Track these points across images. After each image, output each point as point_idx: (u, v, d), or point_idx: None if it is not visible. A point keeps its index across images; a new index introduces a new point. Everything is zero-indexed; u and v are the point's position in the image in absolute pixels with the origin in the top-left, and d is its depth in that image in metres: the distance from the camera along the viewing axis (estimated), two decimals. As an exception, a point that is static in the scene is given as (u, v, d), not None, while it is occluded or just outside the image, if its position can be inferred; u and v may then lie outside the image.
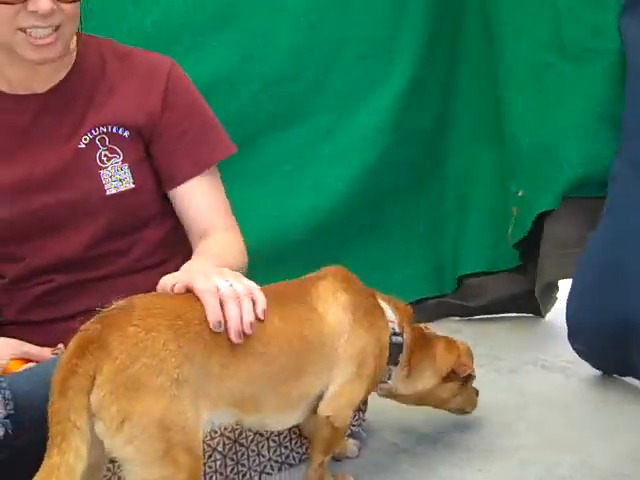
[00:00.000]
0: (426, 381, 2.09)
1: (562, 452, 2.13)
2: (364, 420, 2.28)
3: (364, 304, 1.90)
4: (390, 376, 2.03)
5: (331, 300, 1.85)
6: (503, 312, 3.18)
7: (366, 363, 1.88)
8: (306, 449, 2.21)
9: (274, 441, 2.19)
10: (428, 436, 2.29)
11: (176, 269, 1.82)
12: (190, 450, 1.57)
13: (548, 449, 2.16)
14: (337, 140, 3.01)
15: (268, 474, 2.17)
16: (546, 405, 2.42)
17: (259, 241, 2.81)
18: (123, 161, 2.01)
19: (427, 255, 3.21)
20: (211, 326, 1.63)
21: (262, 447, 2.19)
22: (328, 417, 1.86)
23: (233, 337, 1.64)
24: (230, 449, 2.14)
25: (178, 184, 2.07)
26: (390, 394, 2.11)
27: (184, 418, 1.56)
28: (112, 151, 2.02)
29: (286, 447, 2.20)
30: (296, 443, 2.21)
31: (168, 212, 2.12)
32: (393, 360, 2.00)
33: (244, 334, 1.65)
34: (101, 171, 2.00)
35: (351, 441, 2.20)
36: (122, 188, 2.01)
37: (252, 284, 1.73)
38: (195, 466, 1.58)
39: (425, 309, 3.12)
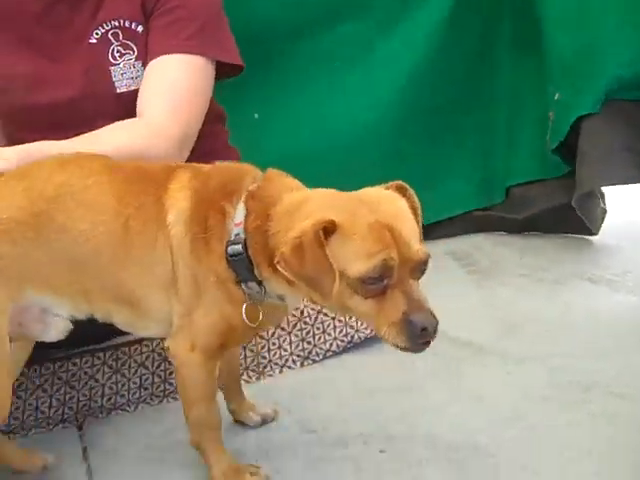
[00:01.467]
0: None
1: (598, 361, 2.02)
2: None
3: (200, 219, 1.52)
4: (265, 290, 1.54)
5: (173, 201, 1.54)
6: (552, 231, 3.02)
7: (199, 296, 1.53)
8: (330, 345, 2.15)
9: (296, 335, 2.13)
10: (458, 339, 2.18)
11: None
12: None
13: (584, 358, 2.05)
14: (390, 43, 2.83)
15: (290, 368, 2.12)
16: (587, 316, 2.29)
17: (302, 142, 2.73)
18: (137, 58, 1.90)
19: (476, 168, 3.03)
20: None
21: (283, 341, 2.14)
22: (168, 349, 1.60)
23: None
24: (250, 341, 2.09)
25: (150, 58, 1.90)
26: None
27: None
28: (126, 47, 1.91)
29: (309, 342, 2.14)
30: (320, 339, 2.15)
31: None
32: (242, 275, 1.52)
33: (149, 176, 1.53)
34: (112, 68, 1.90)
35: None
36: (134, 87, 1.91)
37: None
38: None
39: (473, 221, 3.00)
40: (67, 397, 1.95)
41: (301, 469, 1.69)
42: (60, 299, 1.55)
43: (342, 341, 2.16)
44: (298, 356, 2.13)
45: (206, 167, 1.60)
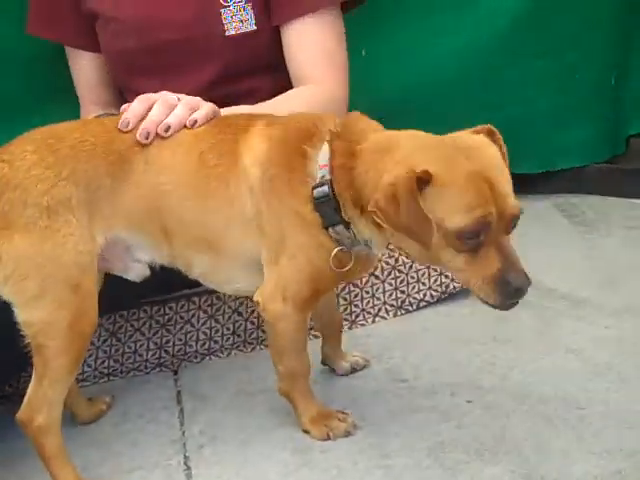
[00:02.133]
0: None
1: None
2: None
3: (280, 161, 1.51)
4: (355, 236, 1.51)
5: (250, 144, 1.54)
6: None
7: (284, 240, 1.51)
8: (423, 295, 2.13)
9: (390, 284, 2.12)
10: (555, 292, 2.13)
11: None
12: (75, 287, 1.46)
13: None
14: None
15: (383, 318, 2.12)
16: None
17: (407, 83, 2.61)
18: (247, 1, 1.91)
19: (608, 114, 2.78)
20: (119, 124, 1.54)
21: (377, 290, 2.13)
22: (258, 303, 1.57)
23: (138, 135, 1.53)
24: (343, 289, 2.09)
25: (285, 21, 1.92)
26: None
27: (60, 249, 1.45)
28: None
29: (402, 292, 2.13)
30: (413, 288, 2.13)
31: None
32: (328, 219, 1.49)
33: (158, 135, 1.54)
34: (223, 10, 1.91)
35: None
36: (243, 29, 1.91)
37: (207, 104, 1.61)
38: (82, 304, 1.47)
39: (585, 174, 2.86)
40: (164, 341, 2.01)
41: (387, 417, 1.69)
42: (144, 239, 1.57)
43: (436, 291, 2.14)
44: (391, 306, 2.12)
45: (282, 118, 1.58)
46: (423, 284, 2.14)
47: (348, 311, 2.09)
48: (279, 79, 1.96)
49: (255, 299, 1.58)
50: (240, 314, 2.05)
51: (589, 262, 2.29)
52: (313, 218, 1.50)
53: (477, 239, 1.36)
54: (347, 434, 1.65)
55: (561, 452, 1.50)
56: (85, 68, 2.06)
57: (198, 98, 1.64)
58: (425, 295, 2.14)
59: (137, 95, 1.64)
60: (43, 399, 1.49)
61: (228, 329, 2.04)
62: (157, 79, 1.94)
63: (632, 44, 2.78)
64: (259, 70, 1.97)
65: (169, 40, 1.92)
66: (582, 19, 2.67)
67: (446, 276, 2.14)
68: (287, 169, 1.51)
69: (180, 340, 2.01)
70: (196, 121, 1.58)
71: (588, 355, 1.82)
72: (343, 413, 1.69)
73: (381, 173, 1.40)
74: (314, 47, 1.92)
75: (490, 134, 1.47)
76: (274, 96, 1.88)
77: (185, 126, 1.57)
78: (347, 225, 1.50)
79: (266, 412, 1.76)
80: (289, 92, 1.87)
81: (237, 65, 1.94)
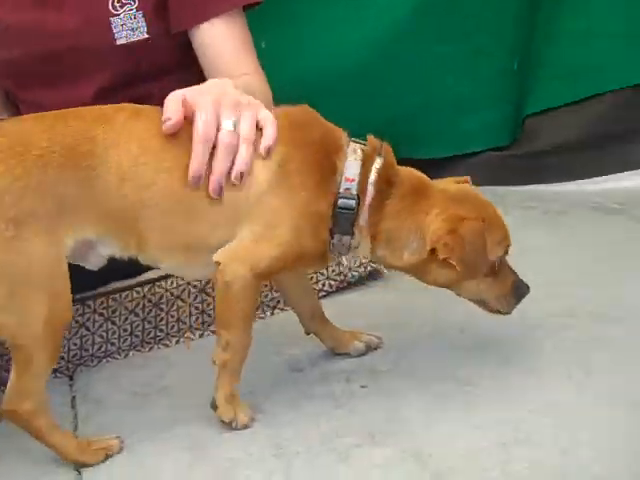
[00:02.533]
0: (413, 251, 1.63)
1: (594, 287, 1.98)
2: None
3: (301, 158, 1.58)
4: (350, 247, 1.64)
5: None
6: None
7: (277, 228, 1.56)
8: (322, 285, 2.14)
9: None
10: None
11: None
12: (45, 287, 1.48)
13: (580, 285, 2.01)
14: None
15: (282, 310, 2.11)
16: (588, 244, 2.25)
17: (312, 69, 2.63)
18: (138, 8, 1.88)
19: (512, 97, 2.84)
20: (189, 180, 1.50)
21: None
22: (218, 264, 1.58)
23: (211, 191, 1.50)
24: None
25: (195, 24, 1.91)
26: (385, 264, 1.74)
27: (28, 257, 1.45)
28: None
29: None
30: (312, 279, 2.13)
31: (186, 65, 1.98)
32: (342, 229, 1.61)
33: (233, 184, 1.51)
34: (112, 18, 1.88)
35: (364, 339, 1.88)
36: (134, 38, 1.89)
37: (266, 114, 1.56)
38: (55, 305, 1.49)
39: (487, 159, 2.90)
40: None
41: (283, 407, 1.69)
42: (113, 241, 1.56)
43: (335, 280, 2.15)
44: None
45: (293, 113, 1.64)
46: (322, 274, 2.15)
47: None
48: (176, 83, 1.95)
49: (215, 259, 1.58)
50: (137, 314, 2.03)
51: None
52: (327, 219, 1.60)
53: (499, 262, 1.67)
54: (245, 427, 1.65)
55: (449, 428, 1.53)
56: None
57: (260, 110, 1.58)
58: (324, 285, 2.14)
59: (29, 105, 1.62)
60: (27, 389, 1.53)
61: (125, 330, 2.02)
62: (47, 89, 1.92)
63: (534, 28, 2.84)
64: (154, 76, 1.95)
65: (58, 49, 1.89)
66: (487, 3, 2.71)
67: (345, 265, 2.16)
68: (310, 168, 1.58)
69: (75, 345, 1.98)
70: (269, 148, 1.54)
71: (479, 333, 1.85)
72: (247, 406, 1.68)
73: (417, 215, 1.61)
74: (227, 46, 1.91)
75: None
76: None
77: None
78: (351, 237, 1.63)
79: (161, 411, 1.74)
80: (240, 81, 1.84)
81: (130, 72, 1.92)
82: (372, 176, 1.60)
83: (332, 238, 1.61)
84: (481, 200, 1.68)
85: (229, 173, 1.52)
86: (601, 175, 2.75)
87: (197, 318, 2.05)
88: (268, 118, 1.56)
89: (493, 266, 1.64)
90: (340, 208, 1.59)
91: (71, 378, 1.93)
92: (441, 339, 1.86)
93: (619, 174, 2.71)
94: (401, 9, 2.65)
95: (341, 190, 1.59)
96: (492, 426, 1.49)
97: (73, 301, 1.95)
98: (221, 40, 1.92)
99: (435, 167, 2.73)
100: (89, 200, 1.51)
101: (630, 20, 2.74)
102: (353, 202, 1.58)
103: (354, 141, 1.64)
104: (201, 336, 2.01)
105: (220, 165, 1.51)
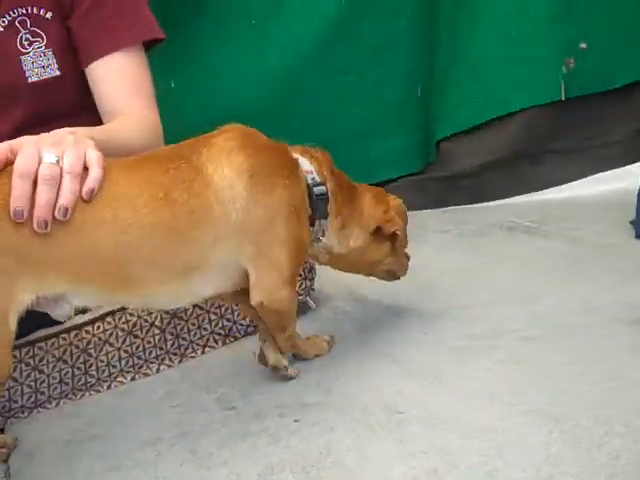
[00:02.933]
0: (356, 237, 1.87)
1: (510, 306, 2.04)
2: (313, 290, 2.20)
3: (266, 163, 1.69)
4: (324, 232, 1.83)
5: (224, 161, 1.64)
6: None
7: (275, 230, 1.67)
8: (250, 321, 2.16)
9: (215, 314, 2.14)
10: (379, 303, 2.20)
11: None
12: None
13: (499, 304, 2.07)
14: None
15: (212, 347, 2.13)
16: (504, 263, 2.32)
17: (226, 102, 2.69)
18: (47, 46, 1.90)
19: (419, 123, 2.96)
20: (11, 215, 1.46)
21: (203, 320, 2.14)
22: (262, 304, 1.71)
23: (35, 226, 1.46)
24: (169, 323, 2.09)
25: (92, 60, 1.95)
26: (330, 257, 1.89)
27: None
28: (34, 34, 1.91)
29: (228, 320, 2.15)
30: (239, 315, 2.15)
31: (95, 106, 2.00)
32: (321, 213, 1.79)
33: (55, 218, 1.47)
34: (22, 57, 1.89)
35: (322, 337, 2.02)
36: (46, 75, 1.91)
37: (93, 155, 1.53)
38: None
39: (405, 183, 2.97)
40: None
41: (217, 447, 1.70)
42: (89, 289, 1.56)
43: (219, 334, 2.14)
44: (219, 334, 2.13)
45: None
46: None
47: (176, 345, 2.09)
48: (89, 121, 1.96)
49: (257, 300, 1.70)
50: (65, 361, 2.02)
51: (408, 270, 2.37)
52: (306, 207, 1.75)
53: None
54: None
55: (382, 457, 1.55)
56: None
57: (89, 148, 1.55)
58: (252, 320, 2.16)
59: None
60: None
61: (54, 378, 2.00)
62: None
63: (435, 57, 2.92)
64: (67, 113, 1.96)
65: None
66: (384, 34, 2.78)
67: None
68: (279, 169, 1.71)
69: (4, 397, 1.96)
70: (93, 190, 1.51)
71: (407, 360, 1.88)
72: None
73: (356, 202, 1.87)
74: (119, 82, 1.95)
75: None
76: None
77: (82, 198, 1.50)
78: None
79: (95, 458, 1.73)
80: (109, 124, 1.87)
81: (43, 110, 1.93)
82: (305, 164, 1.78)
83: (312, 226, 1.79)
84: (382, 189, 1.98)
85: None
86: (515, 195, 2.84)
87: (127, 361, 2.04)
88: (95, 158, 1.53)
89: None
90: (317, 195, 1.76)
91: (2, 431, 1.91)
92: (369, 367, 1.89)
93: (532, 193, 2.81)
94: (302, 43, 2.75)
95: (309, 181, 1.76)
96: (423, 453, 1.52)
97: None
98: (113, 77, 1.95)
99: None
100: (56, 252, 1.50)
101: (526, 43, 2.85)
102: (324, 188, 1.78)
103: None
104: (133, 379, 2.01)
105: (41, 198, 1.46)
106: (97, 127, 1.81)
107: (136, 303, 1.72)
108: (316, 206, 1.78)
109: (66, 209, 1.47)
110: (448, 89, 2.94)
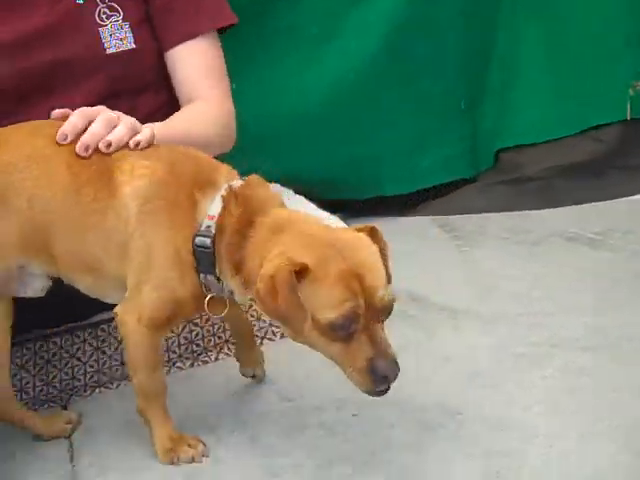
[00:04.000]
0: (238, 290, 1.59)
1: (569, 317, 2.04)
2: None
3: (164, 195, 1.56)
4: (223, 288, 1.60)
5: (128, 179, 1.58)
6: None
7: (151, 268, 1.57)
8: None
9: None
10: (437, 305, 2.21)
11: None
12: None
13: (557, 314, 2.07)
14: (364, 8, 2.79)
15: (270, 340, 2.14)
16: (565, 274, 2.31)
17: (278, 112, 2.72)
18: (124, 19, 1.95)
19: (466, 133, 3.02)
20: (57, 137, 1.59)
21: (261, 313, 2.14)
22: (116, 314, 1.65)
23: (77, 148, 1.58)
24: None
25: (171, 47, 2.00)
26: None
27: None
28: (112, 9, 1.96)
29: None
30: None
31: (167, 83, 2.04)
32: (203, 267, 1.57)
33: (98, 151, 1.59)
34: (100, 29, 1.94)
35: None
36: (122, 48, 1.95)
37: (146, 128, 1.66)
38: None
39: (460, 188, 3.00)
40: (50, 377, 1.99)
41: (276, 437, 1.72)
42: (32, 261, 1.63)
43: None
44: (278, 327, 2.15)
45: (162, 152, 1.64)
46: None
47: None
48: (159, 98, 2.01)
49: (114, 311, 1.64)
50: (128, 344, 2.05)
51: (466, 274, 2.38)
52: (189, 260, 1.57)
53: (347, 330, 1.46)
54: (192, 460, 1.68)
55: (441, 457, 1.57)
56: None
57: (134, 119, 1.67)
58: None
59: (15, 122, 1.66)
60: None
61: (116, 360, 2.04)
62: (35, 101, 1.94)
63: (482, 74, 2.97)
64: (139, 89, 2.01)
65: (47, 61, 1.93)
66: (430, 52, 2.84)
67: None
68: (172, 207, 1.57)
69: (67, 375, 2.00)
70: (139, 143, 1.62)
71: (465, 362, 1.90)
72: (196, 439, 1.71)
73: (265, 256, 1.49)
74: (198, 67, 2.01)
75: (372, 233, 1.57)
76: (154, 115, 1.94)
77: (128, 145, 1.61)
78: (218, 278, 1.58)
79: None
80: (185, 110, 1.94)
81: (118, 83, 1.97)
82: (215, 207, 1.57)
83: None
84: (350, 249, 1.50)
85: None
86: (577, 204, 2.84)
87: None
88: (146, 130, 1.66)
89: (332, 330, 1.46)
90: (197, 246, 1.56)
91: (65, 408, 1.95)
92: (427, 368, 1.90)
93: (596, 203, 2.80)
94: (357, 56, 2.77)
95: (202, 228, 1.57)
96: (484, 455, 1.54)
97: (63, 332, 2.02)
98: (193, 63, 2.01)
99: (415, 199, 2.88)
100: (5, 228, 1.58)
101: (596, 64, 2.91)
102: (208, 240, 1.55)
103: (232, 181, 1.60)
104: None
105: (93, 128, 1.61)
106: (170, 120, 1.87)
107: (68, 281, 1.67)
108: (197, 259, 1.57)
109: (110, 143, 1.59)
110: (510, 103, 3.00)
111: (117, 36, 1.95)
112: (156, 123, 1.76)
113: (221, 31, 2.08)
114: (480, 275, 2.35)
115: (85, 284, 1.66)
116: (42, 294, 1.68)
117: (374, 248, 1.53)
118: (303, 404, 1.84)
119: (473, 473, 1.49)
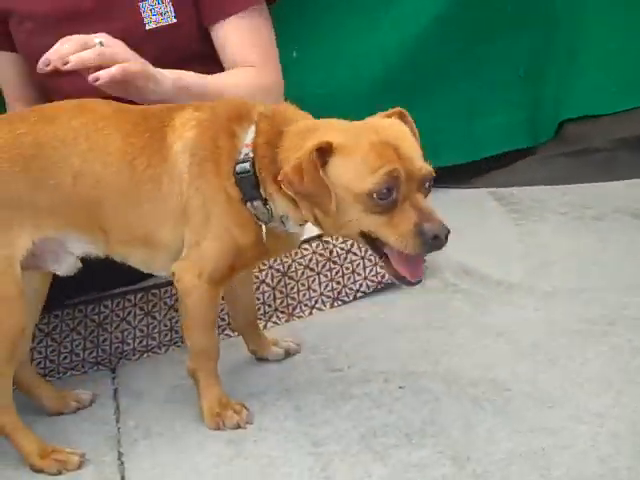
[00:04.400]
0: (279, 201, 1.59)
1: (627, 294, 1.98)
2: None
3: (208, 142, 1.58)
4: (273, 216, 1.58)
5: (179, 133, 1.59)
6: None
7: (209, 220, 1.58)
8: (359, 286, 2.16)
9: (325, 276, 2.14)
10: (490, 278, 2.16)
11: None
12: None
13: (616, 291, 2.01)
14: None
15: (319, 309, 2.14)
16: (624, 251, 2.24)
17: (338, 77, 2.71)
18: None
19: (524, 102, 2.94)
20: (39, 62, 1.63)
21: (313, 282, 2.15)
22: (173, 274, 1.63)
23: (39, 63, 1.62)
24: (279, 282, 2.11)
25: (214, 22, 1.96)
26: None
27: None
28: None
29: (338, 283, 2.15)
30: (349, 279, 2.16)
31: (211, 56, 2.01)
32: (247, 193, 1.57)
33: (59, 71, 1.62)
34: (141, 3, 1.91)
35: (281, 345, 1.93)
36: (163, 23, 1.93)
37: (135, 64, 1.68)
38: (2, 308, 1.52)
39: (518, 159, 2.94)
40: (100, 339, 2.01)
41: (320, 406, 1.71)
42: (80, 235, 1.61)
43: (372, 281, 2.17)
44: (327, 297, 2.14)
45: (210, 102, 1.65)
46: (358, 274, 2.16)
47: (285, 304, 2.11)
48: (203, 70, 1.97)
49: (172, 270, 1.63)
50: (176, 310, 2.05)
51: (521, 247, 2.33)
52: (234, 192, 1.58)
53: (390, 197, 1.45)
54: (237, 426, 1.67)
55: (487, 432, 1.54)
56: (4, 67, 2.05)
57: (128, 53, 1.68)
58: (361, 286, 2.16)
59: (60, 95, 1.65)
60: None
61: (165, 325, 2.05)
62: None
63: (543, 40, 2.88)
64: (182, 62, 1.96)
65: (88, 32, 1.91)
66: (488, 20, 2.79)
67: (381, 266, 2.16)
68: (215, 149, 1.59)
69: (117, 338, 2.02)
70: (98, 79, 1.63)
71: (517, 338, 1.86)
72: (241, 405, 1.71)
73: (298, 150, 1.50)
74: (247, 42, 1.97)
75: (401, 116, 1.58)
76: None
77: (87, 73, 1.63)
78: (265, 201, 1.57)
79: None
80: (232, 71, 1.93)
81: (159, 57, 1.93)
82: (251, 134, 1.58)
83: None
84: (381, 127, 1.52)
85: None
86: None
87: (282, 301, 2.09)
88: (133, 66, 1.67)
89: (373, 200, 1.45)
90: (238, 173, 1.56)
91: (113, 371, 1.96)
92: (478, 342, 1.87)
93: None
94: (415, 23, 2.75)
95: (241, 156, 1.58)
96: (531, 432, 1.50)
97: (115, 295, 2.03)
98: (240, 37, 1.97)
99: (472, 170, 2.83)
100: (45, 200, 1.55)
101: None
102: (247, 164, 1.56)
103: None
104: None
105: (63, 47, 1.64)
106: (211, 76, 1.85)
107: (118, 257, 1.66)
108: (240, 186, 1.57)
109: (67, 62, 1.62)
110: (575, 72, 2.92)
111: (157, 10, 1.92)
112: (190, 72, 1.79)
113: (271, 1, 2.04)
114: (536, 249, 2.30)
115: (138, 258, 1.65)
116: (72, 273, 1.66)
117: (405, 127, 1.55)
118: (349, 374, 1.82)
119: (518, 449, 1.46)
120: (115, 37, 1.86)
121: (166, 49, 1.92)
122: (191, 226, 1.59)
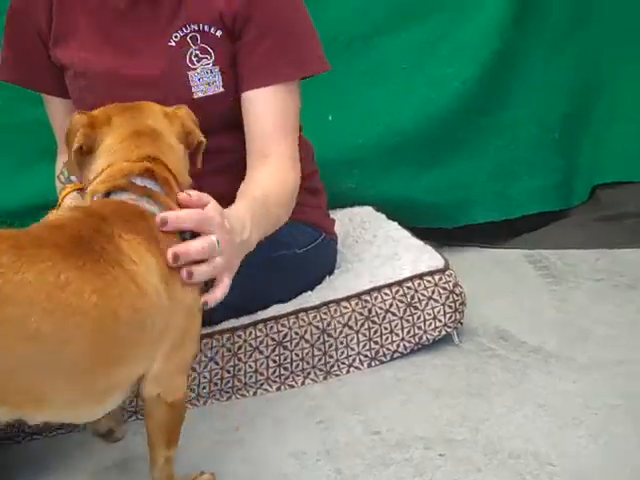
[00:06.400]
0: None
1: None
2: (461, 323, 2.19)
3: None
4: None
5: (142, 259, 1.44)
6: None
7: (193, 326, 1.54)
8: (397, 346, 2.17)
9: (364, 335, 2.16)
10: (526, 345, 2.18)
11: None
12: None
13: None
14: (454, 38, 2.82)
15: (357, 368, 2.15)
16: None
17: (370, 141, 2.80)
18: (214, 63, 1.93)
19: (559, 165, 3.00)
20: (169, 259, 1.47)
21: (351, 340, 2.16)
22: (159, 395, 1.50)
23: (169, 253, 1.47)
24: (318, 339, 2.12)
25: (247, 89, 1.96)
26: None
27: None
28: (204, 51, 1.94)
29: (376, 342, 2.16)
30: (387, 339, 2.17)
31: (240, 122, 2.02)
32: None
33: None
34: (190, 72, 1.93)
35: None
36: (210, 92, 1.94)
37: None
38: None
39: (549, 222, 2.97)
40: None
41: (361, 470, 1.72)
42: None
43: (409, 342, 2.18)
44: (365, 356, 2.15)
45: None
46: (397, 335, 2.18)
47: (323, 362, 2.12)
48: (243, 137, 2.00)
49: (154, 393, 1.51)
50: (217, 363, 2.07)
51: (557, 314, 2.35)
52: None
53: None
54: None
55: (531, 508, 1.54)
56: (59, 114, 2.09)
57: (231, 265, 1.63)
58: (399, 346, 2.17)
59: None
60: None
61: (205, 377, 2.05)
62: None
63: (580, 106, 2.93)
64: (224, 129, 1.98)
65: (137, 98, 1.94)
66: (520, 83, 2.89)
67: (419, 327, 2.18)
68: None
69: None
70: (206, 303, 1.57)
71: (557, 410, 1.86)
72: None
73: None
74: (267, 118, 1.96)
75: None
76: (239, 153, 1.98)
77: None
78: None
79: (240, 463, 1.76)
80: (256, 190, 1.88)
81: (203, 125, 1.96)
82: None
83: None
84: (137, 108, 1.64)
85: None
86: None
87: (274, 371, 2.08)
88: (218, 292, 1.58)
89: None
90: None
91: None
92: (518, 412, 1.87)
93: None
94: (447, 85, 2.83)
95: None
96: (576, 510, 1.51)
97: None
98: (261, 111, 1.96)
99: (506, 231, 2.86)
100: None
101: None
102: None
103: None
104: (278, 389, 2.05)
105: (195, 246, 1.51)
106: (253, 200, 1.83)
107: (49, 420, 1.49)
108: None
109: (190, 274, 1.49)
110: (609, 138, 2.99)
111: (205, 80, 1.94)
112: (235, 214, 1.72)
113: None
114: (572, 317, 2.31)
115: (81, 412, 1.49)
116: None
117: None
118: (388, 438, 1.82)
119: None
120: (162, 104, 1.87)
121: (210, 116, 1.93)
122: (168, 341, 1.50)
